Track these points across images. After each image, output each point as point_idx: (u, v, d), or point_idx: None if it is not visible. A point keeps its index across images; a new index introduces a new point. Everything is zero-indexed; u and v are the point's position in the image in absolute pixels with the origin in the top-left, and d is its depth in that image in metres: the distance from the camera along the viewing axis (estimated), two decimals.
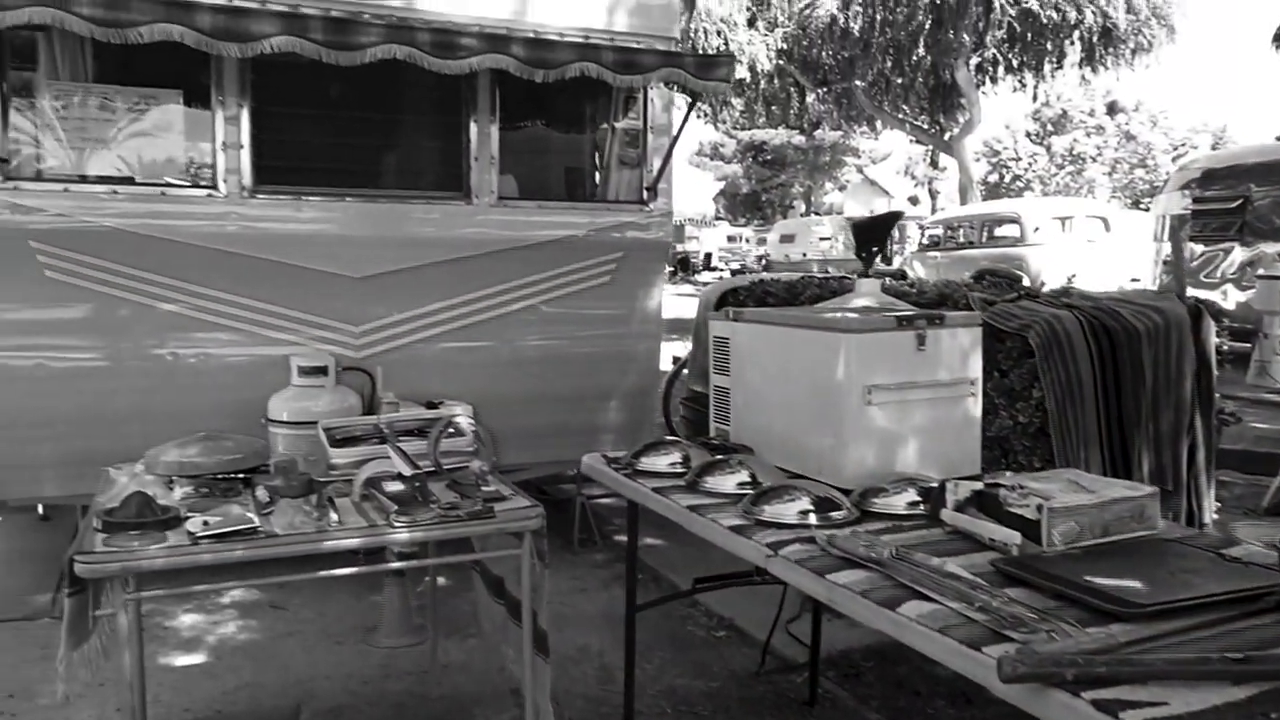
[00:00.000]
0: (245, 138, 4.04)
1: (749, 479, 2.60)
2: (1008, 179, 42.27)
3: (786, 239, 29.73)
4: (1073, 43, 21.92)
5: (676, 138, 4.70)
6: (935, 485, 2.38)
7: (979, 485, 2.25)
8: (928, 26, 21.28)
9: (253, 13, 3.52)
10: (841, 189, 50.77)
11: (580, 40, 4.23)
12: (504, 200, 4.51)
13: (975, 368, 2.72)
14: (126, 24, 3.24)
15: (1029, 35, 21.69)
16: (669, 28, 4.60)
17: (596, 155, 4.88)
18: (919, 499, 2.37)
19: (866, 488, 2.44)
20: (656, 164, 4.74)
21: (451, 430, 2.88)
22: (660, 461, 2.88)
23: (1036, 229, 15.43)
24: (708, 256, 37.09)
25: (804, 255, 27.65)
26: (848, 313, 2.94)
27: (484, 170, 4.43)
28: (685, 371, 6.84)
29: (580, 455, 4.93)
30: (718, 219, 49.28)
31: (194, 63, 3.98)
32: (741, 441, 3.05)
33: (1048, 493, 2.11)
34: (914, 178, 48.22)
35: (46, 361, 3.98)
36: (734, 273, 33.34)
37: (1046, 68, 23.09)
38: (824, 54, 22.82)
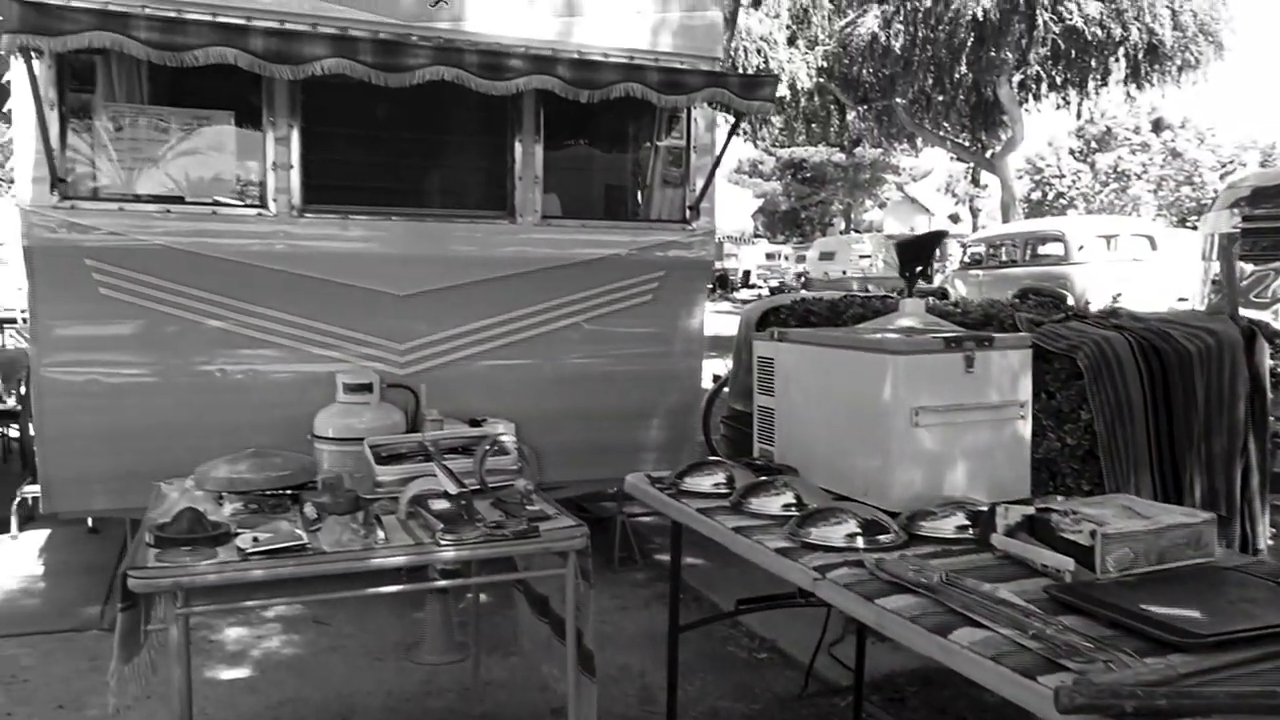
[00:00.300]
0: (295, 158, 4.10)
1: (794, 501, 2.58)
2: (1050, 196, 41.79)
3: (826, 256, 29.59)
4: (1117, 59, 21.66)
5: (720, 157, 4.71)
6: (984, 509, 2.35)
7: (1030, 510, 2.22)
8: (969, 44, 21.16)
9: (304, 35, 3.59)
10: (881, 206, 50.49)
11: (625, 61, 4.26)
12: (547, 219, 4.53)
13: (1025, 390, 2.68)
14: (182, 47, 3.31)
15: (1073, 52, 21.49)
16: (713, 48, 4.61)
17: (639, 174, 4.90)
18: (968, 523, 2.34)
19: (914, 511, 2.41)
20: (699, 183, 4.74)
21: (496, 449, 2.89)
22: (704, 482, 2.87)
23: (1081, 247, 15.22)
24: (746, 274, 37.00)
25: (844, 273, 27.49)
26: (894, 333, 2.92)
27: (528, 189, 4.47)
28: (726, 390, 6.82)
29: (621, 473, 4.93)
30: (756, 236, 49.17)
31: (245, 84, 4.06)
32: (786, 462, 3.03)
33: (1101, 518, 2.07)
34: (955, 195, 47.81)
35: (100, 377, 4.05)
36: (773, 290, 33.24)
37: (1090, 85, 22.85)
38: (864, 71, 22.77)
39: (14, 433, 7.06)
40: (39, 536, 5.54)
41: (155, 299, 4.05)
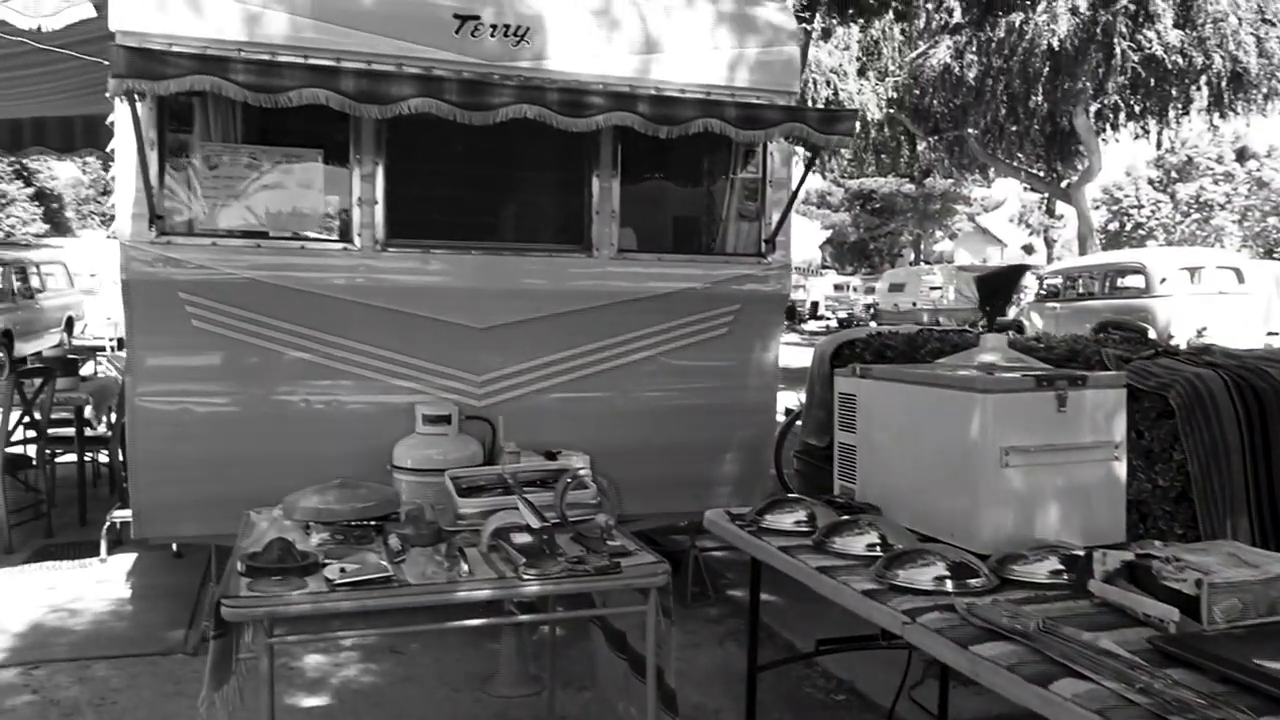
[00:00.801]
0: (379, 193, 4.20)
1: (878, 540, 2.54)
2: (1129, 227, 40.81)
3: (896, 288, 29.26)
4: (1199, 88, 21.12)
5: (796, 191, 4.70)
6: (1079, 554, 2.28)
7: (1129, 555, 2.15)
8: (1045, 73, 20.84)
9: (391, 76, 3.69)
10: (952, 237, 49.85)
11: (702, 96, 4.28)
12: (624, 253, 4.57)
13: (1119, 430, 2.61)
14: (277, 89, 3.43)
15: (1152, 81, 21.02)
16: (790, 83, 4.62)
17: (715, 208, 4.91)
18: (1062, 568, 2.27)
19: (1004, 554, 2.35)
20: (775, 217, 4.73)
21: (576, 483, 2.90)
22: (785, 519, 2.84)
23: (1163, 280, 14.80)
24: (814, 305, 36.77)
25: (914, 305, 27.14)
26: (981, 370, 2.86)
27: (605, 223, 4.51)
28: (798, 424, 6.76)
29: (694, 507, 4.94)
30: (824, 267, 48.88)
31: (333, 123, 4.18)
32: (868, 500, 2.99)
33: (1206, 566, 1.99)
34: (1028, 226, 46.99)
35: (191, 406, 4.17)
36: (841, 322, 32.95)
37: (1171, 114, 22.33)
38: (935, 102, 22.57)
39: (104, 458, 7.31)
40: (126, 560, 5.70)
41: (243, 330, 4.16)
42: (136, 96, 3.49)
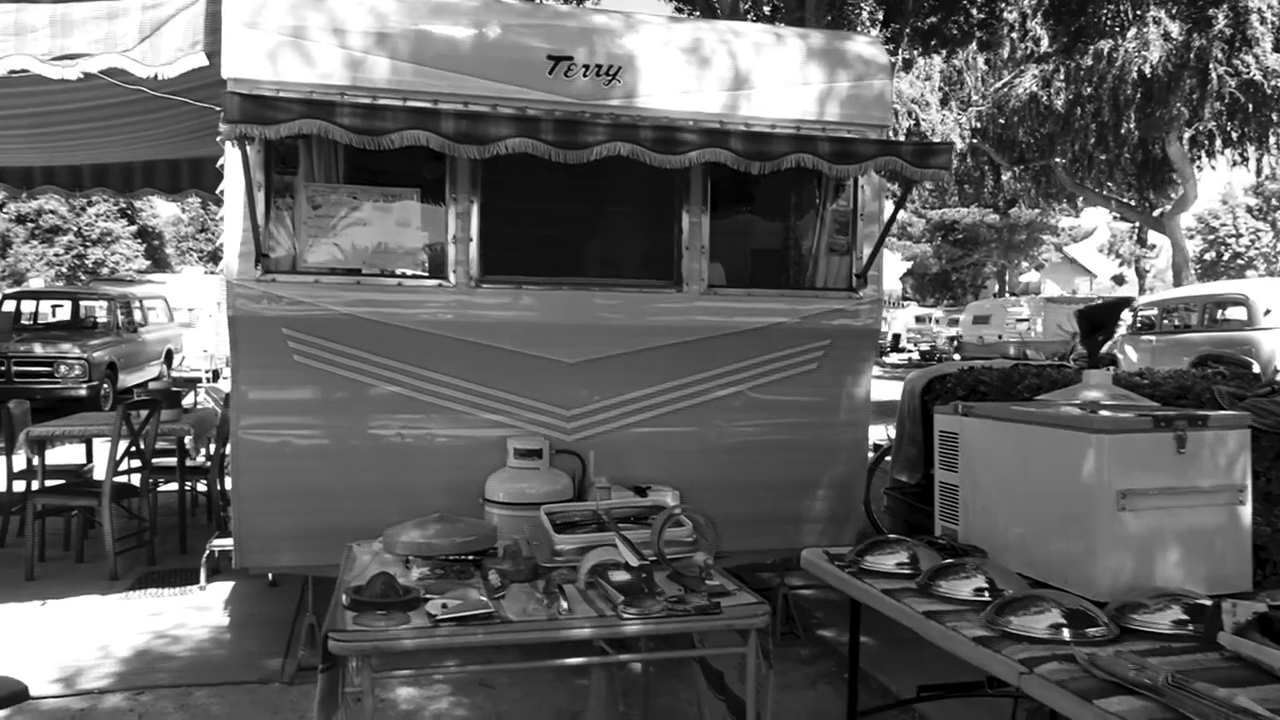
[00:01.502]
0: (474, 230, 4.28)
1: (986, 585, 2.47)
2: (1226, 257, 39.39)
3: (980, 320, 28.66)
4: None
5: (889, 225, 4.64)
6: (1204, 603, 2.17)
7: (1262, 606, 2.05)
8: (1136, 100, 20.32)
9: (488, 117, 3.76)
10: (1038, 268, 48.72)
11: (792, 132, 4.28)
12: (713, 288, 4.56)
13: (1243, 472, 2.50)
14: (380, 131, 3.52)
15: (1251, 106, 20.33)
16: (882, 116, 4.58)
17: (805, 242, 4.88)
18: (1186, 618, 2.17)
19: (1123, 602, 2.26)
20: (866, 251, 4.68)
21: (674, 520, 2.88)
22: (886, 561, 2.79)
23: (1268, 311, 14.19)
24: (895, 338, 36.22)
25: (999, 337, 26.54)
26: (1085, 408, 2.77)
27: (694, 258, 4.51)
28: (887, 459, 6.63)
29: (783, 545, 4.88)
30: (905, 299, 48.20)
31: (430, 162, 4.28)
32: (972, 542, 2.91)
33: None
34: (1119, 256, 45.69)
35: (290, 439, 4.28)
36: (923, 354, 32.38)
37: (1272, 139, 21.53)
38: (1021, 131, 22.17)
39: (202, 487, 7.55)
40: (225, 588, 5.84)
41: (342, 365, 4.26)
42: (247, 140, 3.62)
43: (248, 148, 3.76)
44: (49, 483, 6.57)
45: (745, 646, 2.51)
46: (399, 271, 4.31)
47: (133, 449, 6.28)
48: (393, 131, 3.52)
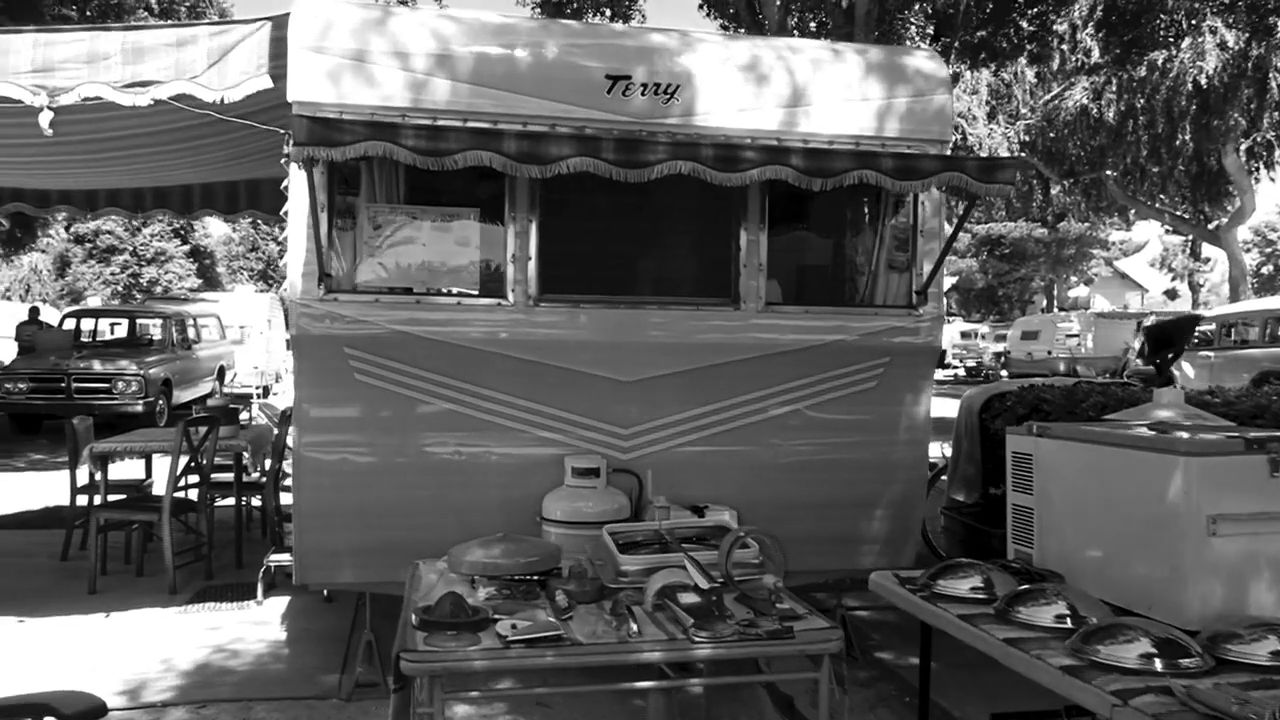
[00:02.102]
0: (533, 250, 4.29)
1: (1068, 611, 2.41)
2: None
3: (1029, 335, 28.24)
4: None
5: (951, 241, 4.59)
6: None
7: None
8: (1191, 112, 19.95)
9: (550, 137, 3.77)
10: (1088, 283, 47.94)
11: (854, 148, 4.24)
12: (771, 306, 4.52)
13: None
14: (444, 152, 3.55)
15: None
16: (942, 131, 4.53)
17: (864, 259, 4.83)
18: None
19: (1215, 631, 2.18)
20: (926, 267, 4.62)
21: (741, 542, 2.84)
22: (960, 585, 2.73)
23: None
24: (941, 354, 35.72)
25: (1049, 353, 26.12)
26: (1169, 429, 2.70)
27: (752, 276, 4.48)
28: (943, 479, 6.52)
29: (840, 565, 4.81)
30: (951, 315, 47.63)
31: (489, 182, 4.31)
32: (1047, 566, 2.84)
33: None
34: (1171, 270, 44.83)
35: (351, 457, 4.31)
36: (969, 370, 31.93)
37: None
38: (1071, 144, 21.85)
39: (257, 502, 7.64)
40: (281, 603, 5.90)
41: (401, 384, 4.28)
42: (314, 162, 3.66)
43: (313, 169, 3.81)
44: (111, 497, 6.68)
45: (818, 671, 2.46)
46: (457, 290, 4.32)
47: (191, 465, 6.38)
48: (456, 153, 3.55)
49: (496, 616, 2.54)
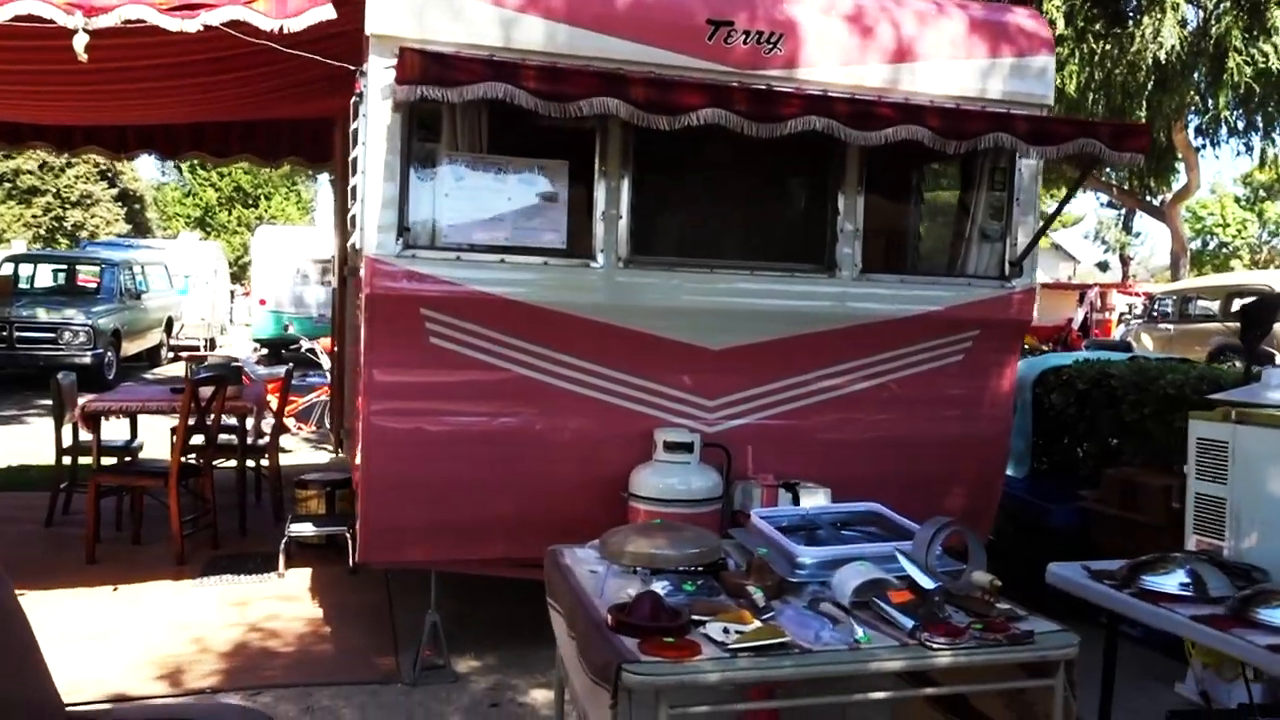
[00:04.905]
0: (624, 208, 3.98)
1: None
2: (1212, 246, 39.70)
3: None
4: None
5: (1057, 212, 4.42)
6: None
7: None
8: (1149, 88, 20.18)
9: (680, 85, 3.47)
10: None
11: (983, 109, 4.01)
12: (866, 274, 4.30)
13: None
14: (568, 98, 3.23)
15: (1257, 95, 20.26)
16: (1044, 94, 4.33)
17: (957, 228, 4.62)
18: None
19: None
20: (1021, 237, 4.44)
21: (943, 533, 2.62)
22: (1167, 581, 2.56)
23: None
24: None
25: None
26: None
27: (848, 242, 4.25)
28: None
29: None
30: None
31: (575, 133, 3.99)
32: (1244, 560, 2.69)
33: None
34: (1105, 243, 45.90)
35: (424, 426, 3.98)
36: None
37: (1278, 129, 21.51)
38: None
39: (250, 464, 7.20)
40: (303, 575, 5.55)
41: (479, 349, 3.97)
42: (423, 102, 3.29)
43: (407, 112, 3.44)
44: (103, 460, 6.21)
45: (1052, 679, 2.27)
46: (542, 249, 3.99)
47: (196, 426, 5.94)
48: (581, 98, 3.22)
49: (697, 619, 2.30)
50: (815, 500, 4.04)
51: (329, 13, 3.87)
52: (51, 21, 3.74)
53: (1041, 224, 4.40)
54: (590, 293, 4.01)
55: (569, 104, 3.23)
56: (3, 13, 3.63)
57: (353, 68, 3.84)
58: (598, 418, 4.15)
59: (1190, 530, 2.89)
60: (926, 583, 2.35)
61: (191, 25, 3.82)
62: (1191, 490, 2.89)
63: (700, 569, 2.67)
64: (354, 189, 3.91)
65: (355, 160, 3.89)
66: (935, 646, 2.18)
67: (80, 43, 3.75)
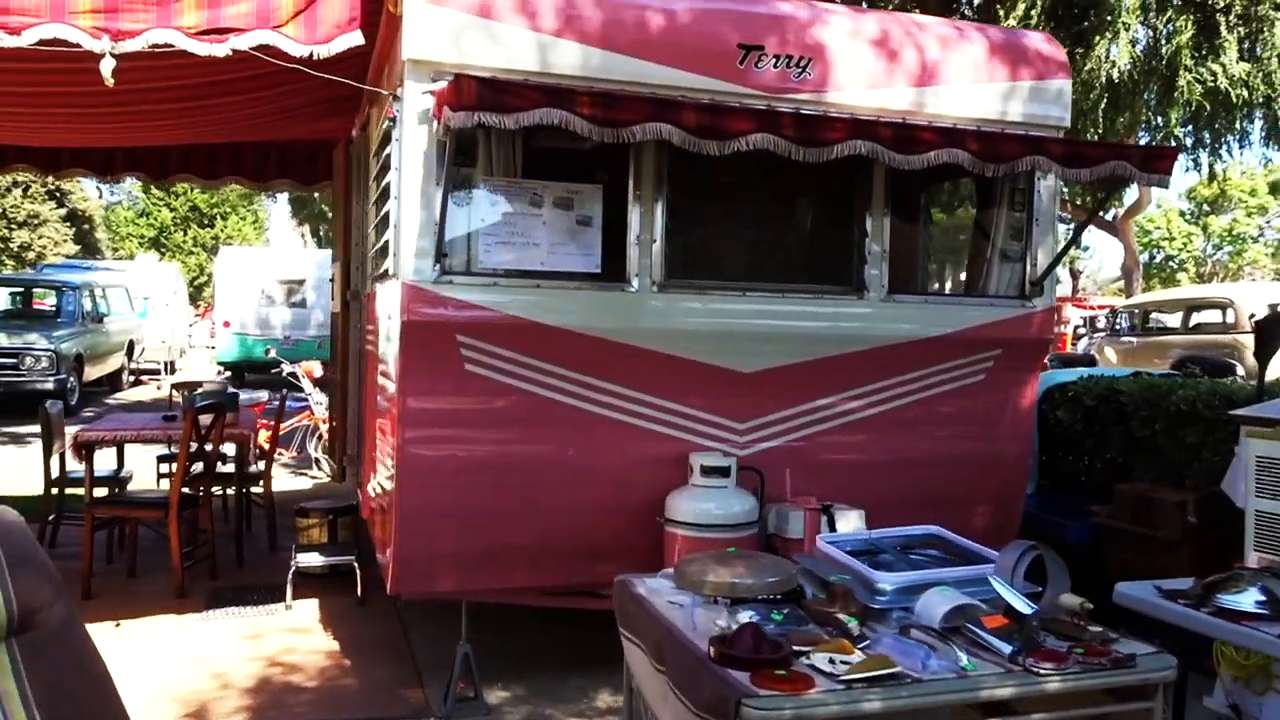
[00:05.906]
0: (658, 232, 3.98)
1: None
2: (1159, 259, 40.70)
3: None
4: (1252, 121, 20.98)
5: (1080, 232, 4.49)
6: None
7: None
8: (1102, 107, 20.69)
9: (729, 110, 3.46)
10: None
11: (1021, 134, 4.06)
12: (893, 295, 4.33)
13: None
14: (622, 123, 3.21)
15: (1205, 113, 20.86)
16: (1061, 116, 4.40)
17: (978, 248, 4.68)
18: None
19: None
20: (1041, 257, 4.51)
21: (1030, 555, 2.63)
22: (1242, 600, 2.60)
23: (1252, 315, 14.57)
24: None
25: None
26: None
27: (876, 264, 4.28)
28: None
29: None
30: None
31: (608, 158, 3.97)
32: None
33: None
34: None
35: (457, 453, 3.92)
36: None
37: (1224, 148, 22.16)
38: None
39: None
40: (309, 606, 5.43)
41: (514, 375, 3.92)
42: (479, 128, 3.24)
43: (449, 137, 3.40)
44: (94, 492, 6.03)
45: (1152, 702, 2.29)
46: (577, 274, 3.96)
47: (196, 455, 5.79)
48: (634, 123, 3.21)
49: (798, 650, 2.28)
50: (850, 522, 4.05)
51: (358, 39, 3.83)
52: (78, 46, 3.65)
53: (1065, 245, 4.46)
54: (625, 317, 3.99)
55: (622, 129, 3.21)
56: (29, 36, 3.54)
57: (372, 89, 3.79)
58: (631, 442, 4.12)
59: (1250, 547, 2.93)
60: (1024, 607, 2.36)
61: (221, 50, 3.75)
62: (1251, 507, 2.94)
63: (779, 597, 2.65)
64: (385, 215, 3.85)
65: (388, 185, 3.84)
66: (1042, 672, 2.19)
67: (108, 67, 3.67)
